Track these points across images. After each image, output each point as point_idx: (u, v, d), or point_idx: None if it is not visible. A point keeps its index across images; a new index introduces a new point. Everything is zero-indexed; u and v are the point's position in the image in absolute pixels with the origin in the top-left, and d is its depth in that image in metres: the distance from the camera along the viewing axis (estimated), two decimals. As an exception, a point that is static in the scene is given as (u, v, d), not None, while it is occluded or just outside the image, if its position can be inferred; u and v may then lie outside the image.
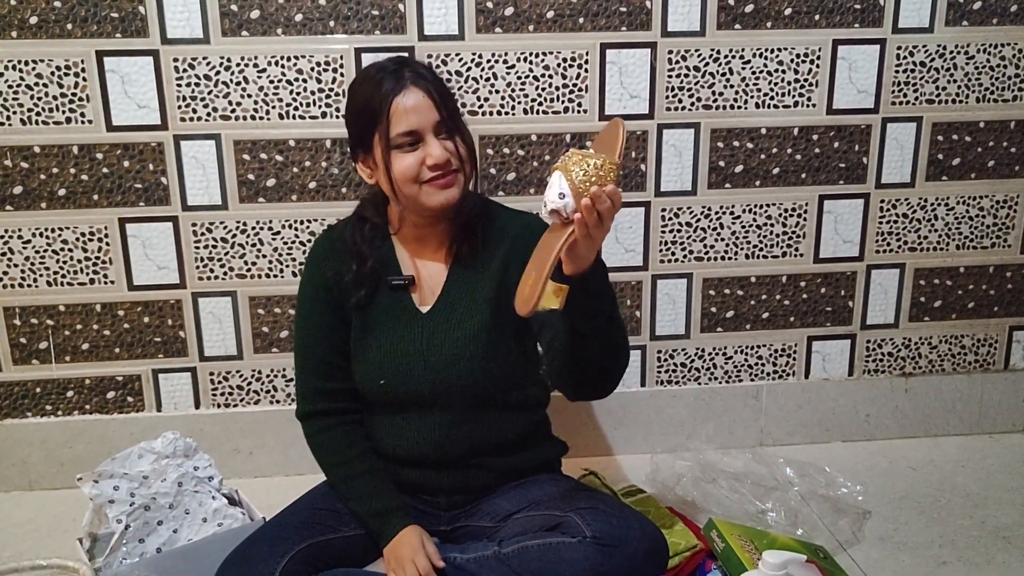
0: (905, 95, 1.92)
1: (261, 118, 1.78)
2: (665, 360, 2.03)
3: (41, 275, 1.82)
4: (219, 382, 1.92)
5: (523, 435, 1.54)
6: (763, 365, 2.06)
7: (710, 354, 2.04)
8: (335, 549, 1.42)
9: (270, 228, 1.84)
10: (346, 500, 1.46)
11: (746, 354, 2.05)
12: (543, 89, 1.83)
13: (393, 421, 1.49)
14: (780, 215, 1.96)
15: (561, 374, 1.36)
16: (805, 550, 1.53)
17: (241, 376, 1.92)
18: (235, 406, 1.94)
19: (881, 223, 2.00)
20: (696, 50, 1.84)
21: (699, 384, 2.05)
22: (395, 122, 1.34)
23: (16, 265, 1.81)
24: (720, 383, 2.06)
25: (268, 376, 1.92)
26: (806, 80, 1.88)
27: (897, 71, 1.90)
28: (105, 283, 1.84)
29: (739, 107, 1.89)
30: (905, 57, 1.90)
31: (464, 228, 1.47)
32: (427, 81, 1.37)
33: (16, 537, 1.74)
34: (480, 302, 1.45)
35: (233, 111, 1.78)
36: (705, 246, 1.96)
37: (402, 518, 1.42)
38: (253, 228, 1.84)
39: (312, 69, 1.77)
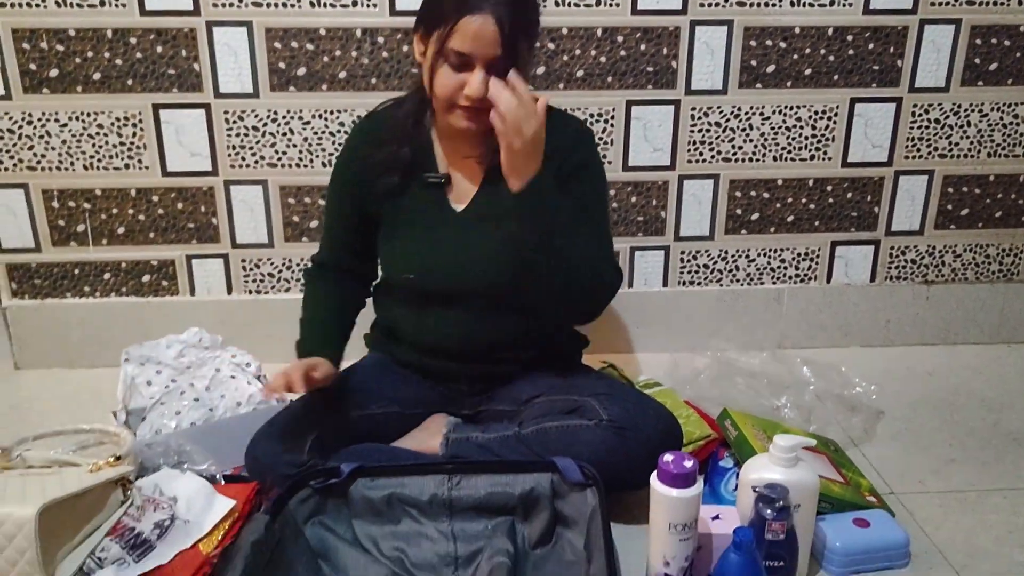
0: (946, -5, 1.88)
1: (292, 5, 1.78)
2: (688, 261, 2.05)
3: (77, 159, 1.86)
4: (251, 269, 1.97)
5: (544, 332, 1.57)
6: (785, 268, 2.07)
7: (733, 256, 2.05)
8: (362, 425, 1.48)
9: (300, 118, 1.86)
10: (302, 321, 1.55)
11: (769, 257, 2.06)
12: (575, -19, 1.81)
13: (418, 313, 1.52)
14: (810, 117, 1.94)
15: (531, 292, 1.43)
16: (817, 442, 1.57)
17: (272, 264, 1.97)
18: (266, 293, 1.99)
19: (912, 128, 1.97)
20: (733, -57, 1.81)
21: (721, 286, 2.07)
22: (455, 37, 1.28)
23: (53, 148, 1.85)
24: (742, 285, 2.08)
25: (298, 264, 1.97)
26: (844, -23, 1.85)
27: (939, -30, 1.86)
28: (139, 168, 1.87)
29: (774, 5, 1.85)
30: (948, -45, 1.85)
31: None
32: (509, 14, 1.28)
33: (58, 410, 1.82)
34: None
35: (264, -3, 1.78)
36: (733, 147, 1.95)
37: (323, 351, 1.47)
38: (284, 117, 1.86)
39: (343, -44, 1.76)
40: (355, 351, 1.61)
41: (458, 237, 1.46)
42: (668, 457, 1.15)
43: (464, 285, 1.46)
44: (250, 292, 1.98)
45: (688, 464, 1.14)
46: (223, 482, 1.40)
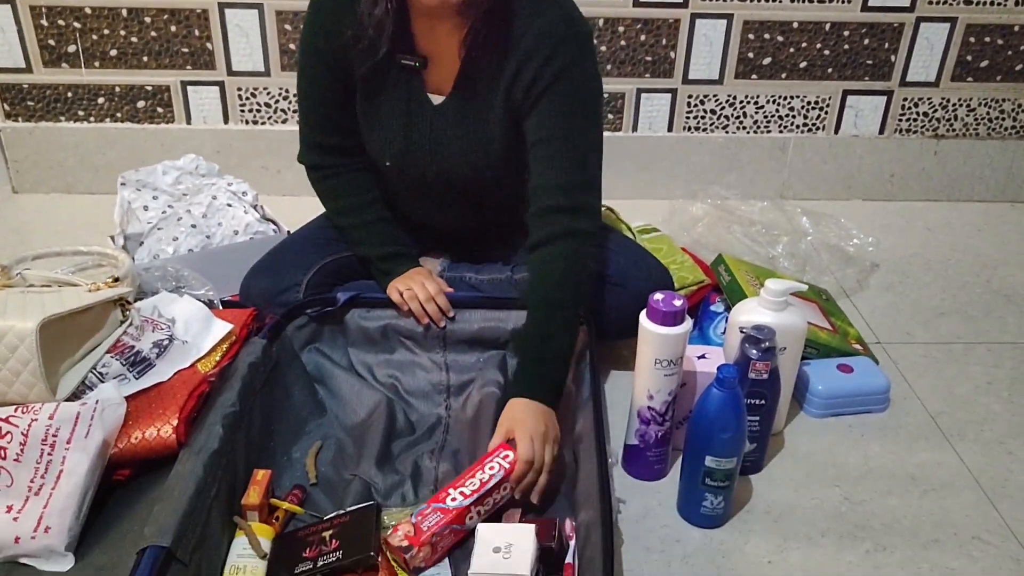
0: None
1: None
2: (695, 106, 2.00)
3: (65, -27, 1.79)
4: (247, 98, 1.93)
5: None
6: (794, 117, 2.02)
7: (741, 102, 2.00)
8: (357, 264, 1.47)
9: (297, -63, 1.77)
10: (353, 244, 1.44)
11: (778, 104, 2.01)
12: None
13: (401, 192, 1.46)
14: (833, -45, 1.85)
15: None
16: (808, 291, 1.59)
17: (268, 94, 1.92)
18: (263, 123, 1.95)
19: (940, -29, 1.89)
20: None
21: (726, 132, 2.03)
22: None
23: (39, -39, 1.77)
24: (748, 133, 2.04)
25: (295, 95, 1.92)
26: None
27: None
28: (130, -14, 1.81)
29: None
30: None
31: (481, 20, 1.26)
32: None
33: (57, 234, 1.83)
34: (493, 104, 1.31)
35: None
36: (750, -15, 1.87)
37: (410, 260, 1.42)
38: (279, -64, 1.77)
39: None
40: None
41: (435, 131, 1.35)
42: (658, 296, 1.16)
43: (442, 178, 1.38)
44: (246, 122, 1.95)
45: (677, 303, 1.15)
46: (221, 307, 1.42)
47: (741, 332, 1.22)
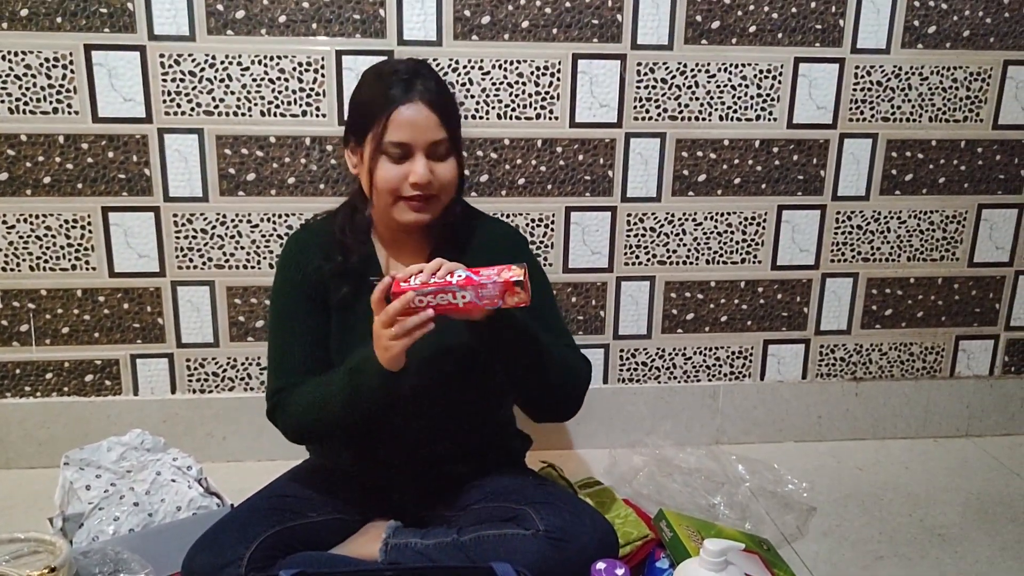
0: (862, 112, 2.01)
1: (243, 114, 1.85)
2: (627, 359, 2.11)
3: (24, 260, 1.87)
4: (195, 368, 1.98)
5: (491, 438, 1.60)
6: (721, 366, 2.15)
7: (670, 354, 2.12)
8: (301, 534, 1.46)
9: (249, 221, 1.90)
10: (338, 409, 1.41)
11: (704, 355, 2.13)
12: (516, 96, 1.90)
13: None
14: (740, 223, 2.05)
15: (518, 402, 1.51)
16: (750, 542, 1.62)
17: (217, 363, 1.98)
18: (210, 392, 2.00)
19: (836, 234, 2.09)
20: (664, 63, 1.92)
21: (659, 383, 2.14)
22: (391, 130, 1.36)
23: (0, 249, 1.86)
24: (679, 382, 2.14)
25: (243, 364, 1.99)
26: (768, 95, 1.97)
27: (855, 89, 1.99)
28: (87, 269, 1.89)
29: (704, 119, 1.97)
30: (863, 76, 1.99)
31: (444, 238, 1.49)
32: (436, 98, 1.38)
33: (-7, 513, 1.80)
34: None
35: (216, 107, 1.84)
36: (668, 251, 2.04)
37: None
38: (232, 220, 1.90)
39: (294, 69, 1.83)
40: (295, 457, 1.62)
41: None
42: (600, 564, 1.19)
43: (417, 394, 1.45)
44: (194, 391, 1.99)
45: (619, 572, 1.17)
46: (160, 591, 1.39)
47: (684, 597, 1.24)
